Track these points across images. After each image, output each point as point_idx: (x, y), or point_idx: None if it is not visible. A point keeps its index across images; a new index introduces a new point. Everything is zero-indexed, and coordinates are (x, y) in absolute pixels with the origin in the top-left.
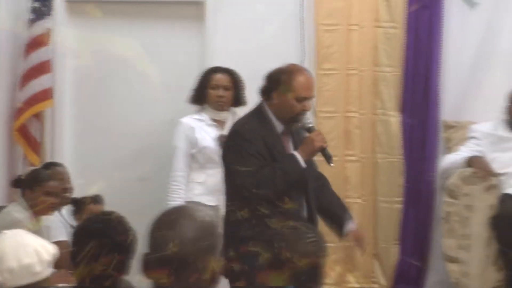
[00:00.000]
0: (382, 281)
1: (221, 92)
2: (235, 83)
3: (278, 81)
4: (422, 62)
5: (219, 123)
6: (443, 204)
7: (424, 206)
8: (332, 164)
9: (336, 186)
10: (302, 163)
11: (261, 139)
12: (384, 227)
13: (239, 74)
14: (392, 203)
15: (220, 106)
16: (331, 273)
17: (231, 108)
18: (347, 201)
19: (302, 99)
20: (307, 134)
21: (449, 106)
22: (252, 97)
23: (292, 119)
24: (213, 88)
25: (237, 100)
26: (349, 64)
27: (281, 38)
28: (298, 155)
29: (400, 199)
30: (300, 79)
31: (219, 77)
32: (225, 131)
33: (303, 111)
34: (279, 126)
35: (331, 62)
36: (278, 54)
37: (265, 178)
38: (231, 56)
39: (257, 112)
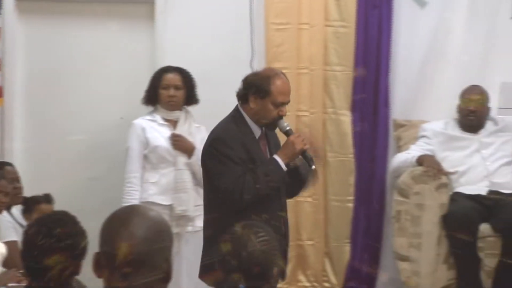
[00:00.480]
0: (334, 279)
1: (172, 91)
2: (186, 82)
3: (254, 86)
4: (372, 62)
5: (171, 122)
6: (394, 203)
7: (375, 205)
8: (313, 167)
9: None
10: (283, 167)
11: (241, 144)
12: (336, 226)
13: (190, 73)
14: (343, 202)
15: (172, 106)
16: None
17: (184, 107)
18: (298, 200)
19: (278, 104)
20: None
21: (399, 105)
22: (204, 96)
23: (269, 124)
24: (164, 88)
25: (189, 99)
26: (299, 63)
27: (232, 37)
28: (279, 159)
29: (351, 198)
30: (276, 83)
31: (170, 77)
32: (178, 130)
33: (280, 116)
34: (256, 130)
35: (281, 61)
36: (228, 53)
37: (248, 183)
38: (181, 55)
39: (235, 116)
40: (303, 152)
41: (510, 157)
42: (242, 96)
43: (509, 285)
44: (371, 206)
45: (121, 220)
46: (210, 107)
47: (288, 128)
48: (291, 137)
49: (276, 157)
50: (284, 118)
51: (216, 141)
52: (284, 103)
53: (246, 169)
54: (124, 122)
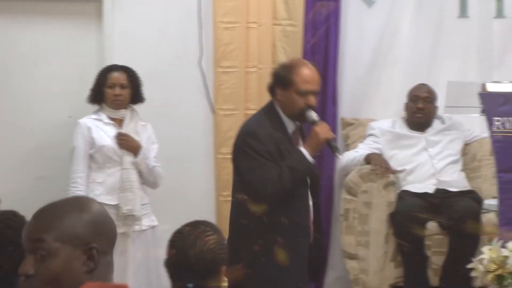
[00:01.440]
0: None
1: (117, 90)
2: (132, 81)
3: (278, 77)
4: (320, 60)
5: (117, 121)
6: (342, 201)
7: (323, 201)
8: (340, 156)
9: None
10: (309, 158)
11: (271, 138)
12: None
13: (135, 71)
14: None
15: (118, 105)
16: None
17: (129, 106)
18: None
19: (303, 93)
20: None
21: (347, 104)
22: (152, 94)
23: (298, 115)
24: (110, 87)
25: (135, 97)
26: (248, 62)
27: (180, 36)
28: (304, 150)
29: None
30: (300, 72)
31: (116, 76)
32: (124, 129)
33: (307, 105)
34: (289, 125)
35: (230, 60)
36: (176, 52)
37: (273, 178)
38: (130, 54)
39: (268, 110)
40: (328, 142)
41: (456, 155)
42: (271, 89)
43: (456, 283)
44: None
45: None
46: (158, 106)
47: (316, 119)
48: (316, 127)
49: (301, 148)
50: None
51: (246, 135)
52: (309, 92)
53: (274, 163)
54: (72, 121)
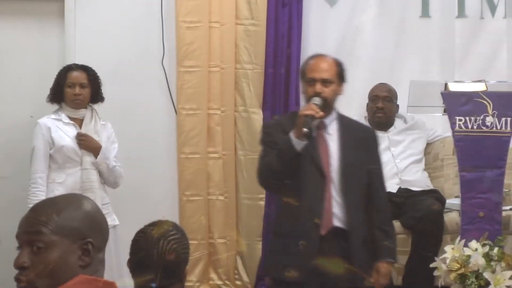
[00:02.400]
0: (245, 278)
1: (77, 90)
2: (91, 80)
3: (300, 70)
4: (283, 60)
5: (77, 121)
6: None
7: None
8: (305, 129)
9: (198, 183)
10: (294, 140)
11: (281, 128)
12: (247, 224)
13: (95, 70)
14: (254, 200)
15: (78, 104)
16: (194, 270)
17: (89, 105)
18: (209, 198)
19: (309, 81)
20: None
21: None
22: (115, 93)
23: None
24: (70, 86)
25: (95, 97)
26: (210, 62)
27: (142, 35)
28: (290, 134)
29: (263, 196)
30: (309, 62)
31: (75, 75)
32: (83, 129)
33: (315, 93)
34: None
35: (192, 59)
36: (139, 51)
37: (265, 163)
38: (92, 53)
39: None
40: (305, 117)
41: (419, 155)
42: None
43: (419, 282)
44: None
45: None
46: (121, 105)
47: (313, 102)
48: (302, 107)
49: (291, 132)
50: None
51: (262, 127)
52: (314, 79)
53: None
54: (34, 121)
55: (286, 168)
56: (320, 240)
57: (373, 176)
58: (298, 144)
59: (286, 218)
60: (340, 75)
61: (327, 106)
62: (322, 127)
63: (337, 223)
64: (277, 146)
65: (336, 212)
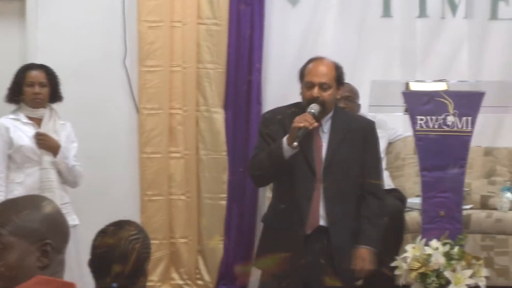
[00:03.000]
0: (207, 277)
1: (37, 89)
2: (50, 80)
3: (299, 72)
4: (245, 59)
5: (36, 120)
6: (267, 200)
7: (248, 202)
8: (295, 144)
9: (160, 183)
10: (285, 146)
11: (278, 122)
12: (209, 224)
13: (53, 70)
14: (216, 200)
15: (37, 103)
16: (156, 270)
17: (48, 104)
18: (171, 198)
19: (308, 85)
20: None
21: (272, 102)
22: (77, 92)
23: (307, 106)
24: (29, 86)
25: (53, 96)
26: (172, 61)
27: (104, 34)
28: (284, 139)
29: (224, 195)
30: (308, 65)
31: (35, 74)
32: (42, 128)
33: (313, 98)
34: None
35: (154, 59)
36: (101, 51)
37: (257, 160)
38: (53, 53)
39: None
40: (298, 129)
41: (381, 153)
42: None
43: (380, 281)
44: (244, 203)
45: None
46: (83, 104)
47: (313, 110)
48: (298, 116)
49: (284, 137)
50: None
51: (262, 116)
52: (312, 83)
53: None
54: None
55: (276, 169)
56: (305, 239)
57: (366, 169)
58: (288, 151)
59: (276, 213)
60: (338, 79)
61: (325, 109)
62: (317, 126)
63: (322, 222)
64: (269, 146)
65: (322, 211)
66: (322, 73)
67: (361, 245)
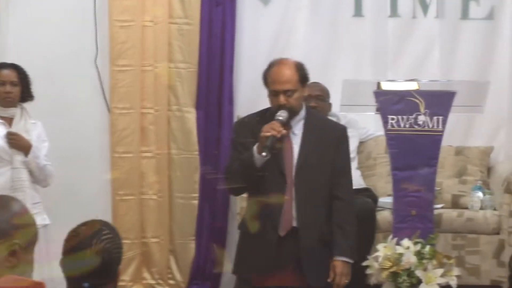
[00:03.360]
0: (179, 277)
1: (8, 88)
2: (22, 79)
3: (263, 77)
4: (217, 59)
5: (7, 120)
6: (238, 199)
7: (219, 201)
8: (264, 154)
9: (132, 183)
10: (256, 155)
11: (249, 130)
12: (181, 223)
13: (25, 69)
14: (188, 199)
15: (9, 102)
16: (128, 269)
17: (19, 104)
18: (142, 197)
19: (273, 93)
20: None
21: (243, 103)
22: (47, 93)
23: (275, 113)
24: (0, 85)
25: (25, 95)
26: (144, 61)
27: (76, 34)
28: (254, 147)
29: (196, 195)
30: (270, 72)
31: (6, 73)
32: (13, 127)
33: (280, 105)
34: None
35: (125, 58)
36: (72, 50)
37: (231, 172)
38: (24, 52)
39: (269, 108)
40: (266, 138)
41: (352, 153)
42: None
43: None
44: (216, 203)
45: None
46: (54, 104)
47: (281, 118)
48: (266, 125)
49: (255, 146)
50: (284, 108)
51: (233, 124)
52: (275, 91)
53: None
54: None
55: (250, 178)
56: (279, 241)
57: (337, 174)
58: (260, 160)
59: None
60: (302, 79)
61: (294, 112)
62: (287, 129)
63: (295, 223)
64: (241, 156)
65: (294, 213)
66: (285, 80)
67: (337, 256)
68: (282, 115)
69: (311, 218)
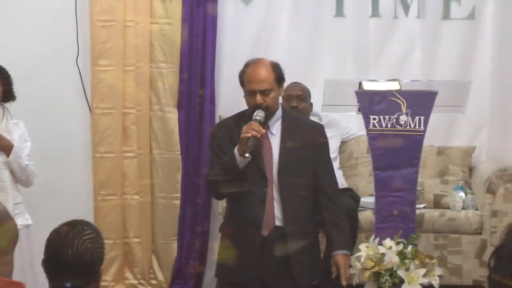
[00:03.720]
0: (161, 277)
1: None
2: (3, 79)
3: (239, 77)
4: (198, 59)
5: None
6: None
7: (201, 201)
8: (246, 155)
9: (114, 183)
10: (237, 157)
11: (228, 135)
12: (163, 223)
13: (6, 69)
14: (170, 199)
15: None
16: (110, 269)
17: (1, 104)
18: (124, 197)
19: (249, 93)
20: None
21: (225, 102)
22: (29, 92)
23: (251, 113)
24: None
25: (7, 95)
26: (125, 61)
27: (57, 33)
28: (235, 150)
29: (178, 195)
30: (246, 71)
31: None
32: None
33: (257, 105)
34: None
35: (107, 58)
36: (53, 50)
37: (213, 178)
38: (5, 52)
39: (245, 110)
40: (247, 139)
41: (334, 153)
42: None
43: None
44: (198, 203)
45: None
46: (35, 104)
47: (258, 118)
48: (245, 126)
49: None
50: (261, 108)
51: (210, 130)
52: (251, 91)
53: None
54: None
55: (231, 179)
56: (262, 241)
57: (319, 172)
58: (242, 162)
59: (231, 221)
60: (278, 79)
61: (270, 112)
62: (265, 128)
63: (278, 223)
64: (221, 160)
65: (277, 212)
66: (262, 79)
67: (337, 251)
68: (259, 114)
69: (296, 217)
